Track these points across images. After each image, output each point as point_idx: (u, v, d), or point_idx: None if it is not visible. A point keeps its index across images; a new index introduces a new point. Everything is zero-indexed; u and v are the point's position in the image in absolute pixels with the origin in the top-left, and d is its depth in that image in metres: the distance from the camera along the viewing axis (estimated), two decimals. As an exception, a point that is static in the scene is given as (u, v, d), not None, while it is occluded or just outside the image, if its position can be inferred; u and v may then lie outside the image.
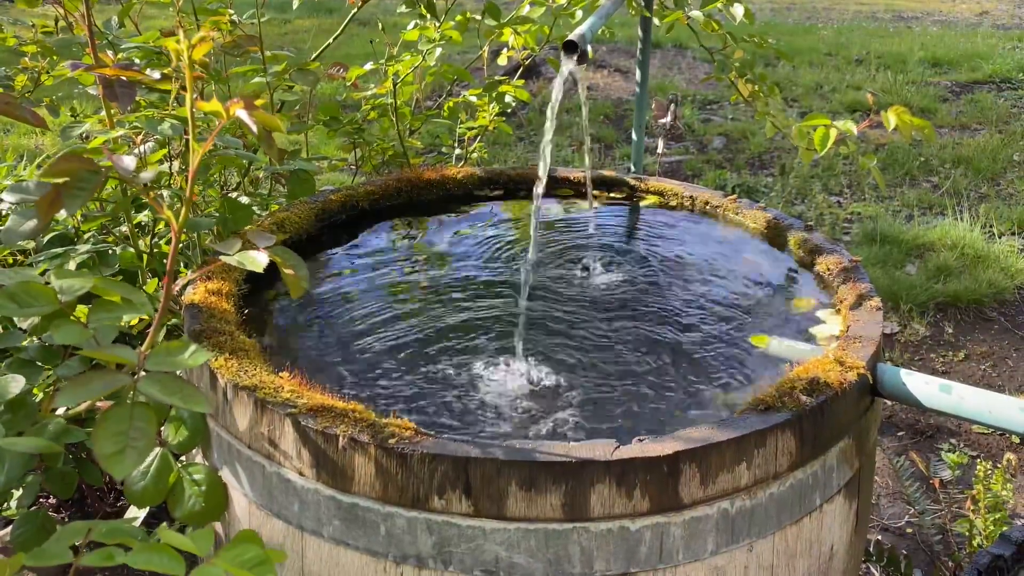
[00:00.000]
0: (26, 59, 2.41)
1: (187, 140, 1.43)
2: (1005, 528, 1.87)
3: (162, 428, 1.31)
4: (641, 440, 1.08)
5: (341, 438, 1.08)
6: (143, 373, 1.06)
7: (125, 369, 1.08)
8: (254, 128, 1.00)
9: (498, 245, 1.77)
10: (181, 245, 2.09)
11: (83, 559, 1.03)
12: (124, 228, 1.95)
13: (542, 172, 1.55)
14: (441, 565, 1.08)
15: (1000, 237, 3.90)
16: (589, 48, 1.93)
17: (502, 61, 2.45)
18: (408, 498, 1.07)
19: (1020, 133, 5.20)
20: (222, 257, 1.15)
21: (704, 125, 5.43)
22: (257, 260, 1.14)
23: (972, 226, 3.92)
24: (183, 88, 1.57)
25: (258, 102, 1.02)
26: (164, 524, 1.85)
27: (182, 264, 2.11)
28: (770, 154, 4.97)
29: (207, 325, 1.30)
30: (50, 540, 1.07)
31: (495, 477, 1.04)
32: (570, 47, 1.47)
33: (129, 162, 1.10)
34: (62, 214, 1.97)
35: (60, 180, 1.05)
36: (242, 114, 1.01)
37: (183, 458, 1.31)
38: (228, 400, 1.19)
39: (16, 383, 1.34)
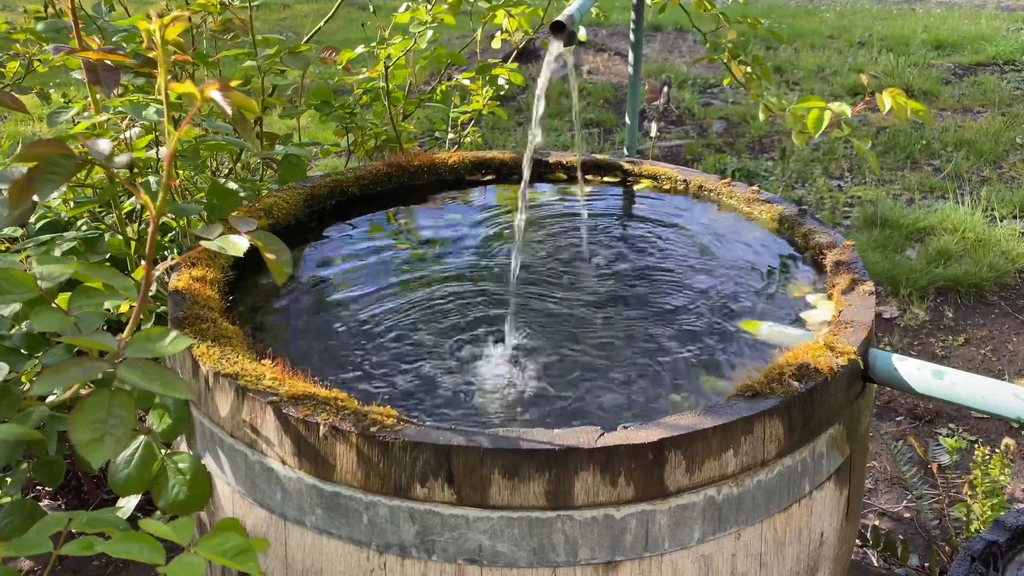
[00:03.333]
0: (17, 45, 2.39)
1: (163, 124, 1.41)
2: (1002, 513, 1.85)
3: (147, 416, 1.30)
4: (626, 427, 1.06)
5: (322, 426, 1.06)
6: (123, 360, 1.04)
7: (106, 357, 1.07)
8: (228, 110, 0.98)
9: (488, 230, 1.75)
10: (172, 233, 2.08)
11: (63, 548, 1.02)
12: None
13: (526, 167, 1.53)
14: (424, 554, 1.07)
15: (1002, 220, 3.87)
16: (583, 31, 1.91)
17: (496, 44, 2.43)
18: (390, 487, 1.06)
19: (1023, 116, 5.15)
20: (202, 242, 1.13)
21: (704, 109, 5.39)
22: (237, 245, 1.12)
23: (973, 210, 3.89)
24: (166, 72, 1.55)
25: (234, 82, 1.00)
26: (158, 513, 1.85)
27: (175, 251, 2.10)
28: (771, 138, 4.94)
29: (190, 312, 1.28)
30: (30, 530, 1.06)
31: (478, 465, 1.03)
32: (558, 28, 1.45)
33: (104, 146, 1.08)
34: (56, 202, 1.96)
35: (32, 164, 1.03)
36: (215, 95, 0.99)
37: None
38: (210, 387, 1.18)
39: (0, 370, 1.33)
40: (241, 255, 1.12)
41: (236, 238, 1.11)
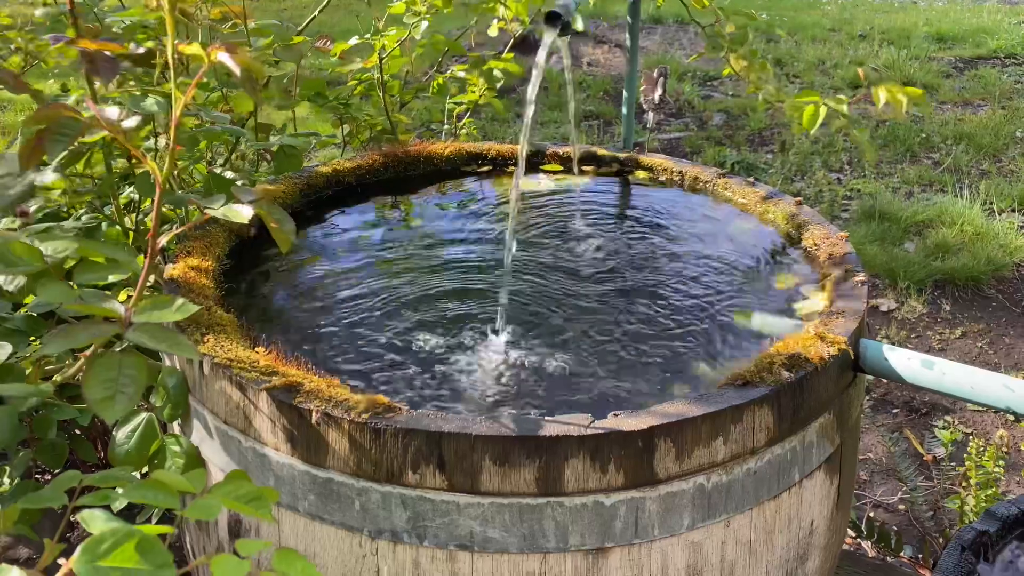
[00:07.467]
0: (19, 40, 2.38)
1: (161, 114, 1.42)
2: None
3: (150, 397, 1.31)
4: (616, 415, 1.07)
5: (315, 413, 1.07)
6: (131, 324, 1.05)
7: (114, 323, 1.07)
8: (237, 71, 0.99)
9: (483, 220, 1.76)
10: (166, 225, 2.08)
11: (79, 500, 1.02)
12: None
13: (520, 155, 1.54)
14: (416, 539, 1.08)
15: (1000, 214, 3.87)
16: (581, 22, 1.91)
17: (492, 32, 2.43)
18: (382, 473, 1.06)
19: (1023, 109, 5.15)
20: (207, 210, 1.14)
21: (704, 101, 5.39)
22: (241, 213, 1.13)
23: (972, 203, 3.89)
24: (167, 66, 1.55)
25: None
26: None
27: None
28: (770, 131, 4.94)
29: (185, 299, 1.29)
30: (45, 488, 1.07)
31: (469, 452, 1.04)
32: (552, 18, 1.45)
33: (112, 112, 1.09)
34: (55, 192, 1.97)
35: (41, 127, 1.04)
36: (224, 57, 1.00)
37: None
38: (204, 374, 1.18)
39: (3, 350, 1.34)
40: (246, 222, 1.12)
41: (240, 207, 1.12)
